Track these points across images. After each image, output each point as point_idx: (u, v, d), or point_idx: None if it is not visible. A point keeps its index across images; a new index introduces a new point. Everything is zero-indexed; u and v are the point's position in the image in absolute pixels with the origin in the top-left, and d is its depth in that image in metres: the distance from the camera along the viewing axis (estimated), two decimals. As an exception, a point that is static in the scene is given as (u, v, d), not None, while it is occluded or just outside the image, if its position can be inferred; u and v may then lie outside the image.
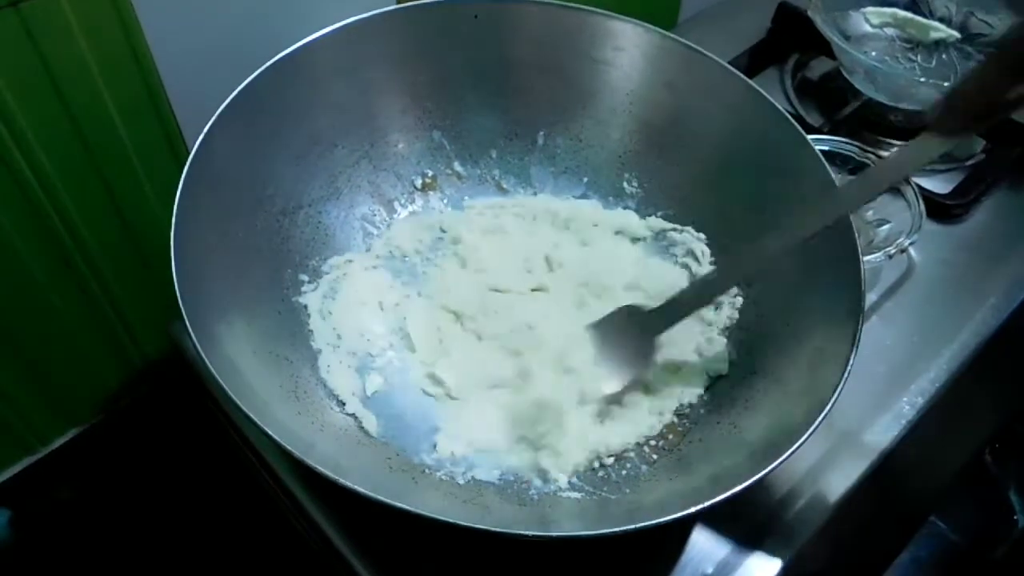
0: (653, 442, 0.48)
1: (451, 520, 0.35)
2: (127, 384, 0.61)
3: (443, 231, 0.58)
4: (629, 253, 0.57)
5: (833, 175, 0.48)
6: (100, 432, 0.62)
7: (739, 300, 0.53)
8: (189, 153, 0.44)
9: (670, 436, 0.48)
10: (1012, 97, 0.38)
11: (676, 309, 0.49)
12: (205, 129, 0.45)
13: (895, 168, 0.47)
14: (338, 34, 0.51)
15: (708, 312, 0.53)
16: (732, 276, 0.50)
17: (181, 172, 0.43)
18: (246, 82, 0.47)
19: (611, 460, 0.47)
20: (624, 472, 0.47)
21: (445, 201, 0.59)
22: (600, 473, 0.47)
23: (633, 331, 0.49)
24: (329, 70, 0.52)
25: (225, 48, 0.50)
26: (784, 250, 0.45)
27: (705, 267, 0.55)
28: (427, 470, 0.45)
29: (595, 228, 0.58)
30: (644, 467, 0.47)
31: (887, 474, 0.52)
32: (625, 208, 0.59)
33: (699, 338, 0.52)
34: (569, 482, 0.46)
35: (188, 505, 0.65)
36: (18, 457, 0.59)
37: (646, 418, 0.48)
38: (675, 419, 0.49)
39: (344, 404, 0.47)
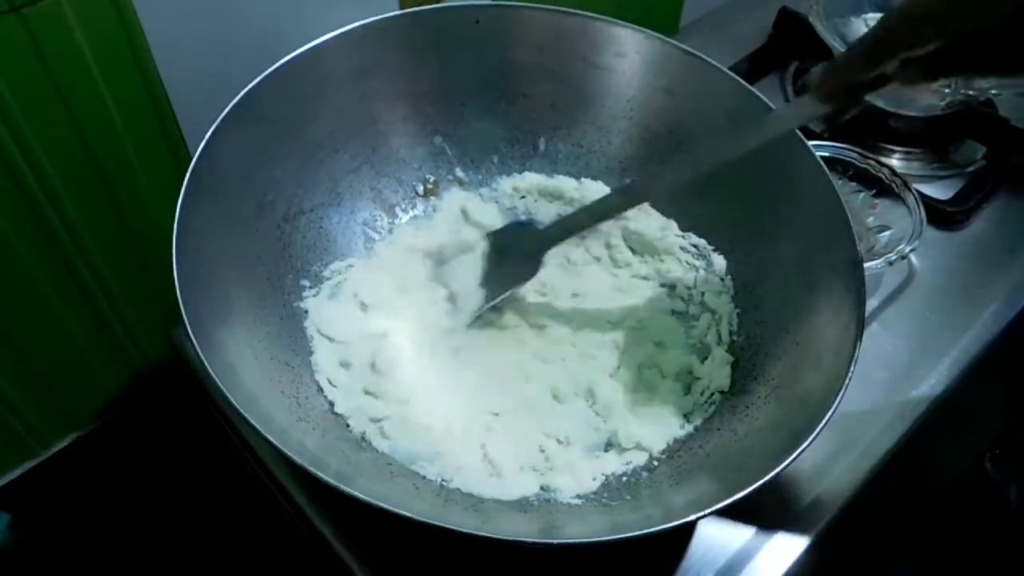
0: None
1: (452, 527, 0.35)
2: (127, 388, 0.61)
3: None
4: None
5: (834, 181, 0.48)
6: (100, 436, 0.62)
7: (738, 312, 0.53)
8: (191, 158, 0.44)
9: (671, 444, 0.48)
10: (867, 78, 0.40)
11: (564, 227, 0.52)
12: (207, 135, 0.45)
13: (780, 120, 0.47)
14: (340, 39, 0.51)
15: (710, 324, 0.53)
16: (626, 198, 0.52)
17: (183, 177, 0.43)
18: (248, 87, 0.47)
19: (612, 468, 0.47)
20: (625, 479, 0.46)
21: (446, 207, 0.59)
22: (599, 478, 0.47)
23: (522, 247, 0.53)
24: (331, 75, 0.52)
25: (227, 53, 0.50)
26: (697, 172, 0.48)
27: (701, 272, 0.56)
28: (428, 476, 0.45)
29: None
30: (645, 473, 0.47)
31: (888, 481, 0.52)
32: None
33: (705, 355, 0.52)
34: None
35: (188, 509, 0.65)
36: (18, 461, 0.59)
37: (652, 436, 0.48)
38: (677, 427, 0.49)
39: (344, 411, 0.47)
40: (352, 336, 0.51)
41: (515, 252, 0.53)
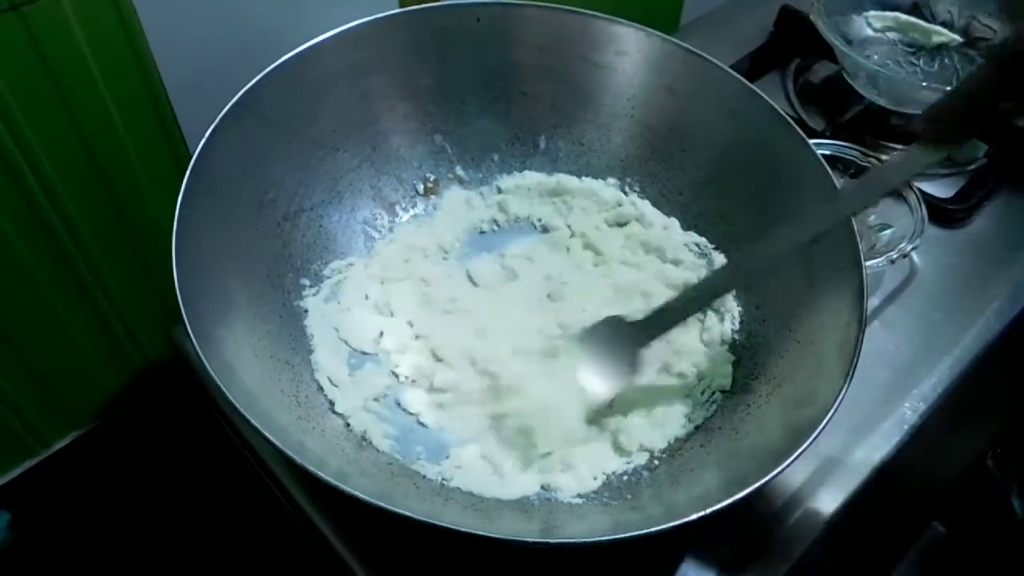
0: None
1: (452, 526, 0.35)
2: (127, 387, 0.61)
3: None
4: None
5: (835, 179, 0.48)
6: (100, 435, 0.62)
7: (740, 310, 0.53)
8: (191, 156, 0.44)
9: (672, 443, 0.48)
10: (1003, 109, 0.38)
11: (663, 320, 0.47)
12: (207, 133, 0.45)
13: (893, 173, 0.46)
14: (341, 38, 0.51)
15: (712, 324, 0.53)
16: (724, 283, 0.49)
17: (183, 175, 0.43)
18: (248, 86, 0.47)
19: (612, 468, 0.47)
20: (626, 478, 0.46)
21: (447, 205, 0.59)
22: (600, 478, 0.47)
23: (619, 342, 0.48)
24: (331, 74, 0.52)
25: (227, 51, 0.50)
26: (780, 255, 0.44)
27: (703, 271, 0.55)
28: (428, 476, 0.45)
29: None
30: (646, 473, 0.47)
31: (889, 479, 0.52)
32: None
33: (702, 353, 0.52)
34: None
35: (188, 508, 0.65)
36: (18, 460, 0.59)
37: (653, 435, 0.48)
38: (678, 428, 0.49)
39: (344, 410, 0.47)
40: (352, 335, 0.51)
41: (612, 349, 0.48)
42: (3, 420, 0.55)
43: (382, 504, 0.34)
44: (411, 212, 0.58)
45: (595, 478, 0.46)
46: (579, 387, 0.48)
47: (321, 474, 0.35)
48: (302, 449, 0.38)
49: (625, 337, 0.48)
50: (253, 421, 0.36)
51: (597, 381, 0.48)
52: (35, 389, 0.55)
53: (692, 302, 0.48)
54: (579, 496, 0.45)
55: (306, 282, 0.51)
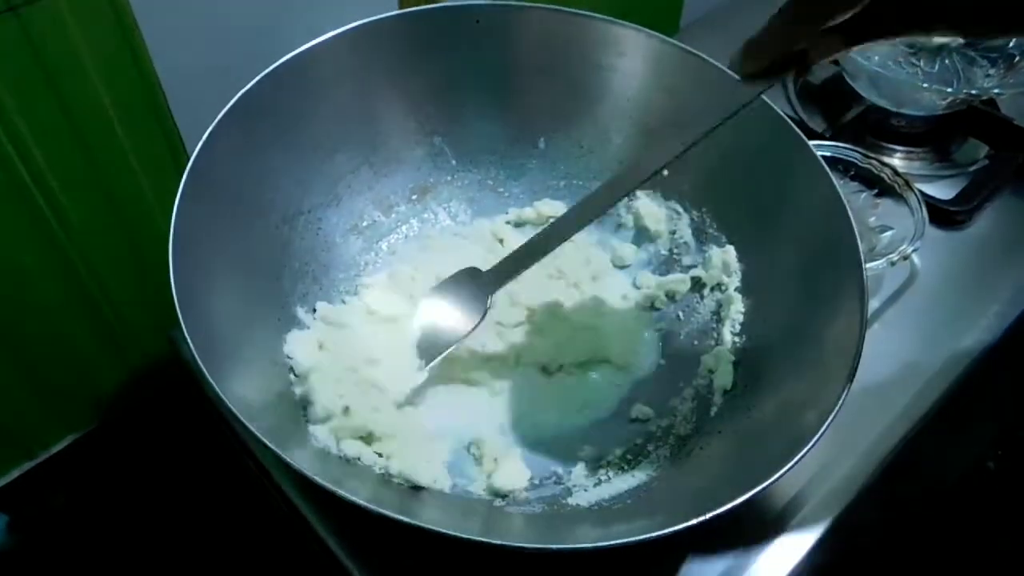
0: (656, 451, 0.48)
1: (453, 533, 0.34)
2: (126, 389, 0.61)
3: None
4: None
5: (835, 181, 0.48)
6: (99, 437, 0.61)
7: (742, 311, 0.52)
8: (189, 158, 0.44)
9: (672, 445, 0.48)
10: (799, 48, 0.38)
11: (511, 264, 0.48)
12: (205, 135, 0.45)
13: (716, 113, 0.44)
14: (339, 39, 0.50)
15: (713, 325, 0.53)
16: (579, 217, 0.47)
17: (181, 177, 0.43)
18: (246, 88, 0.47)
19: (615, 471, 0.47)
20: (627, 481, 0.46)
21: (445, 207, 0.59)
22: (604, 481, 0.46)
23: (470, 289, 0.50)
24: (330, 75, 0.51)
25: (225, 53, 0.50)
26: (633, 183, 0.44)
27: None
28: (425, 483, 0.45)
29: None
30: (647, 476, 0.46)
31: (891, 482, 0.52)
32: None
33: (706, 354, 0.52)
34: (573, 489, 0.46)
35: (187, 511, 0.65)
36: (17, 462, 0.59)
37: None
38: (678, 429, 0.49)
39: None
40: (351, 337, 0.51)
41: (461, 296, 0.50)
42: (2, 422, 0.55)
43: (382, 511, 0.34)
44: (410, 214, 0.58)
45: (599, 481, 0.46)
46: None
47: (318, 479, 0.35)
48: (300, 455, 0.38)
49: (477, 283, 0.50)
50: (250, 426, 0.36)
51: (448, 322, 0.49)
52: (33, 391, 0.55)
53: (541, 242, 0.47)
54: (582, 501, 0.45)
55: (303, 285, 0.51)
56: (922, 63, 0.70)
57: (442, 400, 0.50)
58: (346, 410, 0.45)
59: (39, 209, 0.48)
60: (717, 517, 0.36)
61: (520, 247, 0.49)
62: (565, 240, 0.47)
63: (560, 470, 0.47)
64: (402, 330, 0.52)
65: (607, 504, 0.45)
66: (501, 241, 0.58)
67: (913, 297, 0.59)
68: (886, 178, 0.61)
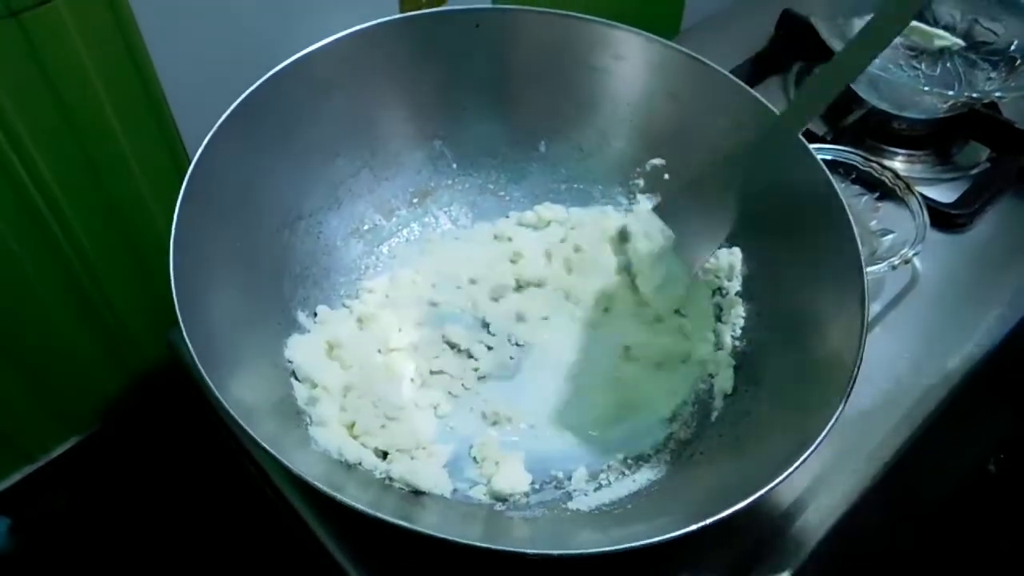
0: (657, 456, 0.48)
1: (454, 539, 0.35)
2: (127, 392, 0.61)
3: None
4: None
5: (836, 184, 0.48)
6: (100, 440, 0.61)
7: (743, 315, 0.52)
8: (190, 162, 0.44)
9: (673, 449, 0.48)
10: None
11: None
12: (206, 139, 0.45)
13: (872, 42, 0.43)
14: (340, 43, 0.50)
15: (714, 326, 0.53)
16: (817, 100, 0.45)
17: (182, 181, 0.43)
18: (247, 92, 0.47)
19: (615, 476, 0.47)
20: (628, 486, 0.46)
21: (446, 211, 0.59)
22: (604, 485, 0.46)
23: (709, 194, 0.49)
24: (331, 80, 0.51)
25: (226, 57, 0.50)
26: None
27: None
28: (424, 489, 0.45)
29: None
30: (648, 480, 0.46)
31: (891, 485, 0.52)
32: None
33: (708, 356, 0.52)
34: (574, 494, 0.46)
35: (188, 514, 0.65)
36: (18, 465, 0.59)
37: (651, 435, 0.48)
38: (679, 433, 0.49)
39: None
40: (351, 341, 0.51)
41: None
42: (2, 425, 0.55)
43: (382, 516, 0.34)
44: (410, 217, 0.58)
45: (600, 486, 0.46)
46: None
47: (318, 484, 0.35)
48: (298, 458, 0.38)
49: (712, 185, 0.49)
50: (249, 430, 0.36)
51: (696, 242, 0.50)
52: (34, 394, 0.55)
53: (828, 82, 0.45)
54: (583, 505, 0.45)
55: (304, 289, 0.51)
56: (923, 66, 0.70)
57: (442, 403, 0.50)
58: (347, 411, 0.45)
59: (40, 213, 0.48)
60: (718, 522, 0.36)
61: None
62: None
63: (560, 474, 0.47)
64: (402, 330, 0.52)
65: (607, 509, 0.44)
66: (509, 239, 0.58)
67: (914, 301, 0.59)
68: (887, 181, 0.61)
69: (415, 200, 0.58)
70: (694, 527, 0.36)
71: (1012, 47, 0.69)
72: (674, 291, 0.54)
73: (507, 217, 0.59)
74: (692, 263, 0.53)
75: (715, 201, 0.49)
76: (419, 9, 0.55)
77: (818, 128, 0.71)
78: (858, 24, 0.72)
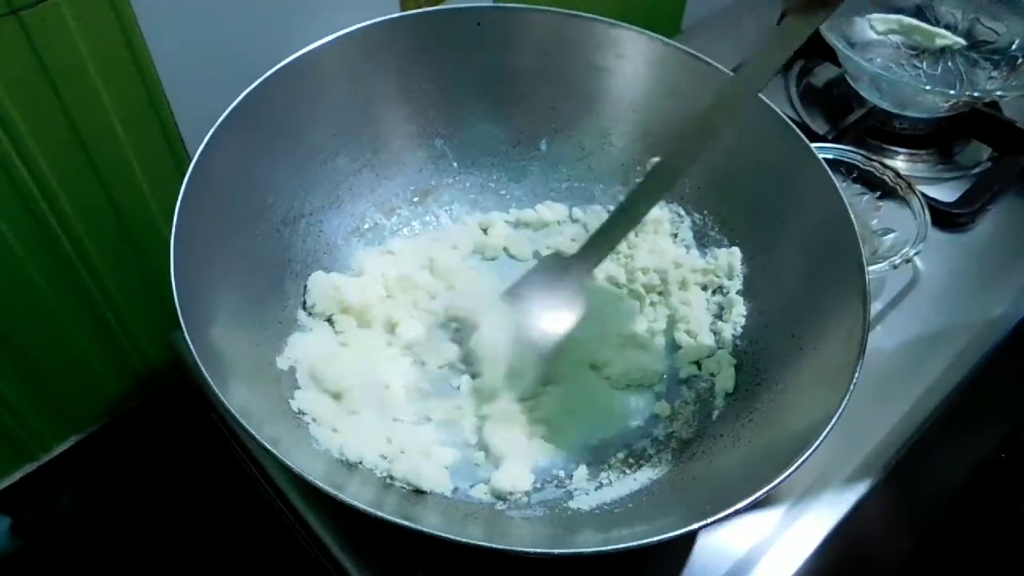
0: (658, 455, 0.48)
1: (456, 538, 0.34)
2: (128, 391, 0.61)
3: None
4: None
5: (838, 183, 0.48)
6: (101, 439, 0.61)
7: (743, 313, 0.52)
8: (191, 161, 0.44)
9: (674, 449, 0.48)
10: None
11: (600, 243, 0.49)
12: (207, 137, 0.45)
13: (777, 51, 0.44)
14: (341, 42, 0.50)
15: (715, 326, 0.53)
16: (652, 191, 0.48)
17: (182, 180, 0.43)
18: (248, 90, 0.47)
19: (616, 475, 0.47)
20: (629, 485, 0.46)
21: (447, 210, 0.59)
22: (605, 484, 0.46)
23: (562, 278, 0.50)
24: (332, 78, 0.51)
25: (227, 55, 0.50)
26: (695, 151, 0.46)
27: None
28: (425, 488, 0.45)
29: None
30: (649, 480, 0.46)
31: (892, 485, 0.52)
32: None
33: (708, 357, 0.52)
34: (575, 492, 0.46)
35: (189, 513, 0.65)
36: (19, 464, 0.59)
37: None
38: (680, 432, 0.49)
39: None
40: (350, 343, 0.51)
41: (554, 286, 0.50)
42: (3, 424, 0.55)
43: (385, 516, 0.34)
44: (411, 216, 0.58)
45: (600, 485, 0.46)
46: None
47: (319, 483, 0.35)
48: (300, 458, 0.38)
49: (567, 272, 0.50)
50: (250, 428, 0.36)
51: (549, 320, 0.50)
52: (35, 393, 0.55)
53: (622, 219, 0.49)
54: (584, 505, 0.45)
55: (304, 289, 0.51)
56: (925, 65, 0.70)
57: (442, 404, 0.50)
58: (347, 410, 0.45)
59: (41, 212, 0.48)
60: (719, 521, 0.36)
61: (600, 226, 0.50)
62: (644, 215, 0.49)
63: (562, 473, 0.47)
64: (402, 329, 0.52)
65: (608, 508, 0.44)
66: (485, 231, 0.59)
67: (916, 300, 0.59)
68: (888, 181, 0.61)
69: (416, 199, 0.58)
70: (695, 526, 0.36)
71: (1013, 46, 0.69)
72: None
73: (507, 215, 0.60)
74: None
75: None
76: (420, 8, 0.55)
77: (820, 127, 0.71)
78: (859, 23, 0.72)
